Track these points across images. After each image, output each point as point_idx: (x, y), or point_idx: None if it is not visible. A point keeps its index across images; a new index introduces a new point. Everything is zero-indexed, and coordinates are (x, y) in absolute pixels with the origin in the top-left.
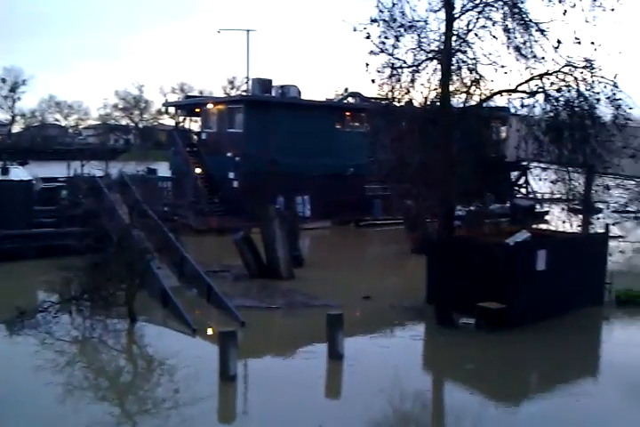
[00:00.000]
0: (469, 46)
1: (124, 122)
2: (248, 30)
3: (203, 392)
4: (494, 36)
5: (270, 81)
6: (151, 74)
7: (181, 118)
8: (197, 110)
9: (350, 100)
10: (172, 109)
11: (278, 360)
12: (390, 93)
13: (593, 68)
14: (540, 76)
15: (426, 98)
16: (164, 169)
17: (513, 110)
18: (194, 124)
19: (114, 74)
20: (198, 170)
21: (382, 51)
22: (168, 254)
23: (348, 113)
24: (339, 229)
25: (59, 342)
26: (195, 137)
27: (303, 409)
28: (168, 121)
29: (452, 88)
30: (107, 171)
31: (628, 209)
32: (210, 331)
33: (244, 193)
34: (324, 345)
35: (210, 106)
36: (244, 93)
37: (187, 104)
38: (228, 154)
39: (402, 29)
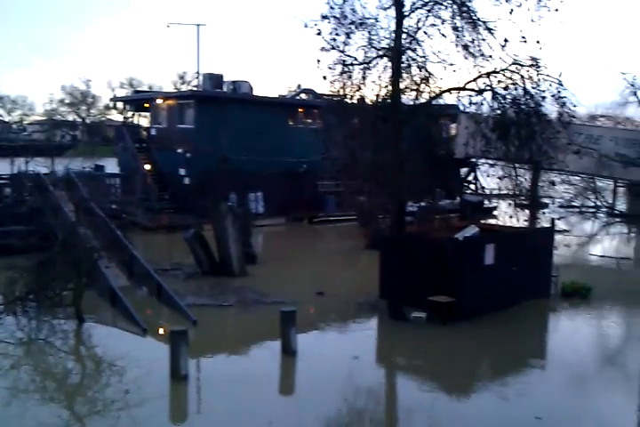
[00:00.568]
0: (419, 44)
1: (70, 117)
2: (198, 25)
3: (154, 393)
4: (443, 35)
5: (221, 76)
6: (99, 69)
7: (130, 114)
8: (146, 105)
9: (303, 96)
10: (120, 105)
11: (231, 358)
12: (342, 90)
13: (539, 67)
14: (488, 75)
15: (377, 95)
16: (112, 166)
17: (462, 108)
18: (143, 120)
19: (60, 69)
20: (148, 166)
21: (333, 47)
22: (116, 253)
23: (300, 110)
24: (292, 225)
25: (2, 345)
26: (144, 133)
27: (256, 407)
28: (116, 116)
29: (402, 86)
30: (52, 168)
31: (573, 204)
32: (161, 330)
33: (196, 190)
34: (278, 342)
35: (159, 101)
36: (194, 89)
37: (135, 99)
38: (179, 150)
39: (352, 26)
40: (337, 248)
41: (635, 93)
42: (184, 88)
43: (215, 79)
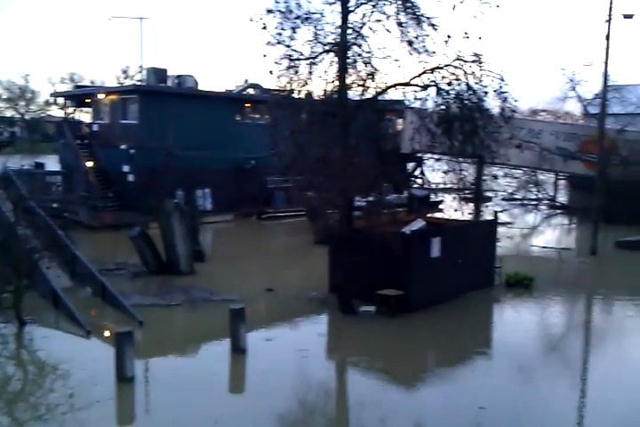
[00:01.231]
0: (364, 40)
1: (8, 113)
2: (141, 18)
3: (99, 395)
4: (388, 30)
5: (165, 71)
6: (39, 63)
7: (71, 109)
8: (88, 101)
9: (250, 91)
10: (61, 100)
11: (179, 358)
12: (289, 85)
13: (481, 63)
14: (432, 70)
15: (325, 90)
16: (52, 163)
17: (408, 103)
18: (85, 116)
19: None
20: (90, 163)
21: (279, 42)
22: (58, 253)
23: (248, 104)
24: (241, 221)
25: None
26: (86, 129)
27: (205, 406)
28: (57, 112)
29: (348, 81)
30: None
31: (516, 197)
32: (106, 332)
33: (141, 187)
34: (227, 340)
35: (102, 96)
36: (138, 83)
37: (77, 94)
38: (122, 146)
39: (298, 21)
40: (286, 244)
41: (574, 88)
42: (127, 83)
43: (159, 74)
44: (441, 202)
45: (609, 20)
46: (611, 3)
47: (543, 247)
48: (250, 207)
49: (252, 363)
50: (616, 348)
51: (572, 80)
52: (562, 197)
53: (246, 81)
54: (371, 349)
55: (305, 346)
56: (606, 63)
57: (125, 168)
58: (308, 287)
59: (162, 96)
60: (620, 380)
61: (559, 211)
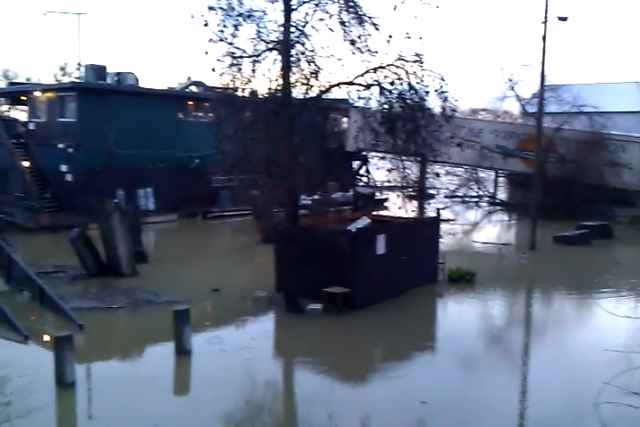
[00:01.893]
0: (307, 38)
1: None
2: (79, 14)
3: (39, 402)
4: (331, 29)
5: (105, 68)
6: None
7: (5, 107)
8: (24, 98)
9: (193, 89)
10: None
11: (122, 362)
12: (232, 83)
13: (422, 63)
14: (375, 70)
15: (269, 88)
16: None
17: (352, 102)
18: (20, 114)
19: None
20: (26, 163)
21: (221, 39)
22: None
23: (191, 102)
24: (185, 221)
25: None
26: (21, 127)
27: (150, 409)
28: None
29: (292, 79)
30: None
31: (458, 194)
32: (45, 337)
33: (79, 187)
34: (172, 342)
35: (38, 93)
36: (76, 80)
37: (11, 92)
38: (60, 145)
39: (240, 18)
40: (232, 244)
41: (512, 88)
42: (65, 80)
43: (98, 71)
44: (386, 200)
45: (545, 22)
46: (546, 5)
47: (484, 243)
48: (194, 207)
49: (197, 364)
50: (554, 338)
51: (510, 80)
52: (502, 194)
53: (189, 78)
54: (317, 346)
55: (251, 346)
56: (543, 63)
57: (63, 168)
58: (255, 287)
59: (101, 94)
60: (558, 369)
61: (499, 207)
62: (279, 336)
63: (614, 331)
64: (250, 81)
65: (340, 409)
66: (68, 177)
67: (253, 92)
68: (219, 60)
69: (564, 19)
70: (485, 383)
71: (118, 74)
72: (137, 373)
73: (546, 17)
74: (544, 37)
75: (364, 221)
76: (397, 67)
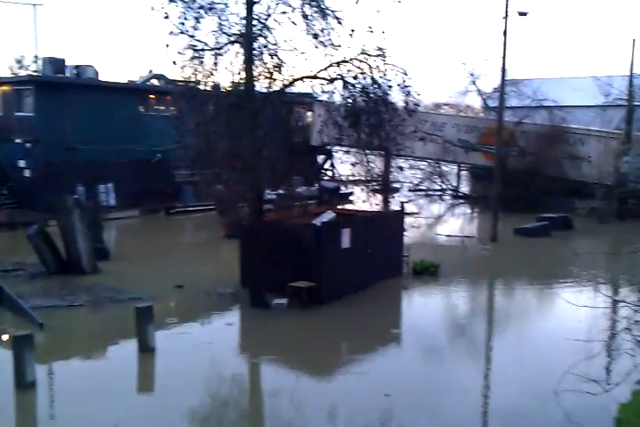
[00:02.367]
0: (270, 31)
1: None
2: (34, 4)
3: None
4: (294, 23)
5: (63, 60)
6: None
7: None
8: None
9: (155, 82)
10: None
11: (84, 361)
12: (193, 76)
13: (385, 57)
14: (338, 64)
15: (233, 82)
16: None
17: (316, 96)
18: None
19: None
20: None
21: (182, 32)
22: None
23: (152, 96)
24: (148, 217)
25: None
26: None
27: (113, 409)
28: None
29: (255, 73)
30: None
31: (421, 188)
32: (4, 336)
33: (38, 183)
34: (135, 340)
35: None
36: (33, 73)
37: None
38: (17, 140)
39: (202, 11)
40: (196, 239)
41: (474, 83)
42: (22, 73)
43: (56, 64)
44: (351, 194)
45: (505, 17)
46: (507, 0)
47: (448, 236)
48: (157, 202)
49: (161, 361)
50: (516, 328)
51: (472, 74)
52: (464, 188)
53: (150, 71)
54: (283, 341)
55: (216, 342)
56: (504, 58)
57: (21, 163)
58: (220, 282)
59: (59, 87)
60: (520, 358)
61: (462, 200)
62: (244, 332)
63: (574, 320)
64: (212, 74)
65: (306, 403)
66: (27, 173)
67: (216, 86)
68: (180, 52)
69: (524, 14)
70: (450, 374)
71: (77, 67)
72: (99, 371)
73: (506, 12)
74: (505, 32)
75: (328, 216)
76: (360, 61)
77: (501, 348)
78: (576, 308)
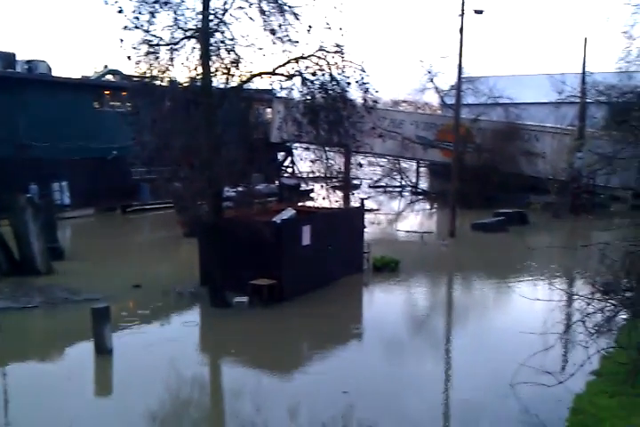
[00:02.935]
0: (227, 27)
1: None
2: None
3: None
4: (251, 18)
5: (14, 55)
6: None
7: None
8: None
9: (110, 77)
10: None
11: (39, 364)
12: (149, 72)
13: (343, 54)
14: (296, 60)
15: (190, 77)
16: None
17: (275, 93)
18: None
19: None
20: None
21: (137, 27)
22: None
23: (107, 92)
24: (104, 216)
25: None
26: None
27: (69, 412)
28: None
29: (212, 68)
30: None
31: (381, 184)
32: None
33: None
34: (91, 342)
35: None
36: None
37: None
38: None
39: (157, 5)
40: (154, 238)
41: (432, 80)
42: None
43: (6, 58)
44: (311, 191)
45: (462, 15)
46: None
47: (407, 232)
48: (113, 200)
49: (119, 363)
50: (473, 322)
51: (429, 72)
52: (423, 184)
53: (106, 67)
54: (243, 340)
55: (175, 342)
56: (460, 56)
57: None
58: (179, 281)
59: (10, 83)
60: (477, 352)
61: (421, 197)
62: (204, 331)
63: (528, 314)
64: (168, 70)
65: (266, 402)
66: None
67: (172, 81)
68: (134, 47)
69: (479, 12)
70: (409, 369)
71: (29, 62)
72: (55, 374)
73: (463, 10)
74: (461, 30)
75: (289, 213)
76: (319, 57)
77: (460, 342)
78: (532, 301)
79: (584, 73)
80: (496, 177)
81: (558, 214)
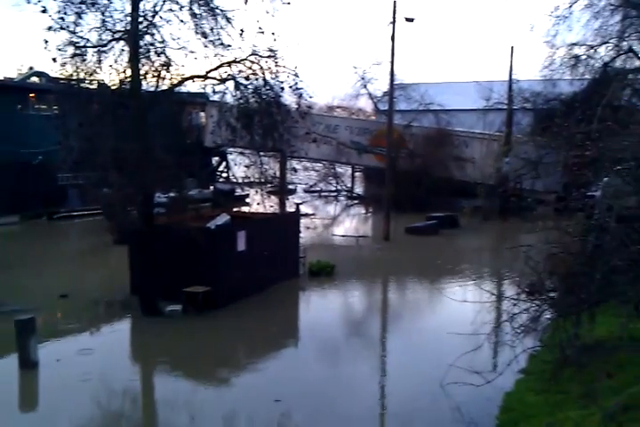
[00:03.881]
0: (157, 29)
1: None
2: None
3: None
4: (182, 21)
5: None
6: None
7: None
8: None
9: (35, 80)
10: None
11: None
12: (76, 74)
13: (276, 58)
14: (229, 64)
15: (120, 80)
16: None
17: (209, 97)
18: None
19: None
20: None
21: (62, 28)
22: None
23: (32, 94)
24: (29, 223)
25: None
26: None
27: None
28: None
29: (142, 71)
30: None
31: (317, 189)
32: None
33: None
34: (15, 355)
35: None
36: None
37: None
38: None
39: (83, 6)
40: (83, 246)
41: (365, 86)
42: None
43: None
44: (246, 196)
45: (393, 23)
46: (394, 6)
47: (343, 236)
48: (39, 207)
49: (45, 376)
50: (407, 324)
51: (363, 78)
52: (358, 188)
53: (31, 68)
54: (177, 349)
55: (105, 353)
56: (392, 63)
57: None
58: (109, 290)
59: None
60: (409, 354)
61: (356, 201)
62: (135, 341)
63: (458, 315)
64: (95, 72)
65: (198, 412)
66: None
67: (100, 84)
68: (60, 49)
69: (410, 20)
70: (343, 372)
71: None
72: None
73: (394, 18)
74: (392, 38)
75: (223, 218)
76: (252, 62)
77: (393, 344)
78: (462, 303)
79: (511, 81)
80: (428, 181)
81: (487, 218)
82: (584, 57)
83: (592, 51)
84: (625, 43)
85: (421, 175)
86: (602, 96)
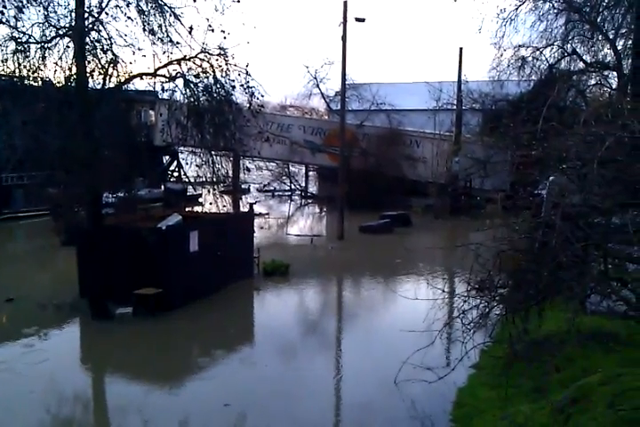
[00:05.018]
0: (103, 26)
1: None
2: None
3: None
4: (130, 18)
5: None
6: None
7: None
8: None
9: None
10: None
11: None
12: (18, 71)
13: (227, 56)
14: (178, 62)
15: (66, 78)
16: None
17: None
18: None
19: None
20: None
21: (2, 22)
22: None
23: None
24: None
25: None
26: None
27: None
28: None
29: (88, 68)
30: None
31: (271, 188)
32: None
33: None
34: None
35: None
36: None
37: None
38: None
39: (24, 0)
40: (29, 247)
41: (317, 86)
42: None
43: None
44: (199, 196)
45: (344, 23)
46: (345, 6)
47: (297, 235)
48: None
49: None
50: (361, 323)
51: (315, 78)
52: (312, 188)
53: None
54: (128, 353)
55: (54, 359)
56: (344, 63)
57: None
58: (56, 293)
59: None
60: (363, 353)
61: (310, 200)
62: (85, 345)
63: (411, 312)
64: (39, 69)
65: (153, 416)
66: None
67: (45, 82)
68: (0, 44)
69: (361, 20)
70: (298, 372)
71: None
72: None
73: (345, 18)
74: (344, 37)
75: (175, 218)
76: (202, 59)
77: (347, 343)
78: (415, 301)
79: (460, 81)
80: (381, 181)
81: (438, 216)
82: (530, 58)
83: (538, 53)
84: (569, 45)
85: (374, 174)
86: (547, 97)
